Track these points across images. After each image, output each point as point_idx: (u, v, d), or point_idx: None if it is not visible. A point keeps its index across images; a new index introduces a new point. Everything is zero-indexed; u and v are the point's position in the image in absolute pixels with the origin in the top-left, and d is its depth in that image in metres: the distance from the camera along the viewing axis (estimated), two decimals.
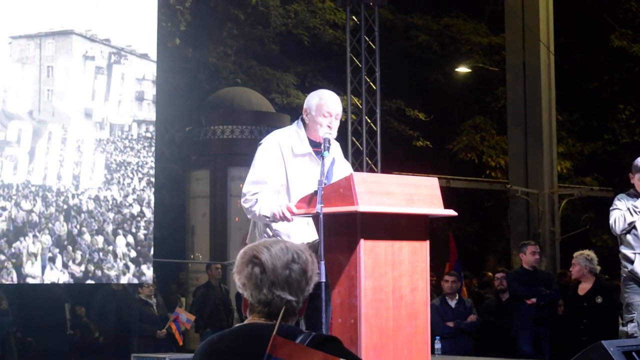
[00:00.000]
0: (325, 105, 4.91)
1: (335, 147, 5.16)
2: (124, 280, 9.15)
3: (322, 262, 4.33)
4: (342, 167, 5.07)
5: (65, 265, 8.41)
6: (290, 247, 2.75)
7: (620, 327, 6.90)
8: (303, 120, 5.00)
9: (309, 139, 4.97)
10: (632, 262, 6.61)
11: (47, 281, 8.49)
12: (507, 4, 17.09)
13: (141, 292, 11.14)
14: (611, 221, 6.65)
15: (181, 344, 10.97)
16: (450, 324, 9.94)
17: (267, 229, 4.89)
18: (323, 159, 4.71)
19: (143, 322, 11.14)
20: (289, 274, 2.69)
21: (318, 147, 4.90)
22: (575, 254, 9.34)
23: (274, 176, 4.87)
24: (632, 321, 6.64)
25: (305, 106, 5.01)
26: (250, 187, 4.86)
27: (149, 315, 11.19)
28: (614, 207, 6.69)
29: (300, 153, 4.93)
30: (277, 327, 2.52)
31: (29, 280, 8.33)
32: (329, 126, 4.91)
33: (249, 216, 4.91)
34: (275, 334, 2.44)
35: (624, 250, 6.67)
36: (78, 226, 8.54)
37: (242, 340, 2.68)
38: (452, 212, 4.88)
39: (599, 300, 9.18)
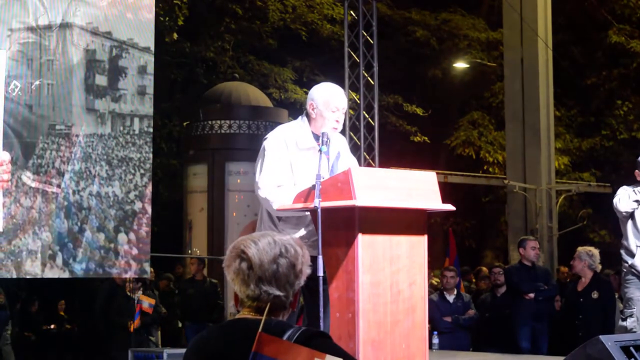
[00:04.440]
0: (333, 101, 4.91)
1: (341, 141, 5.16)
2: (125, 277, 9.13)
3: (320, 257, 4.34)
4: (347, 162, 5.07)
5: (65, 263, 8.37)
6: (278, 240, 2.70)
7: (620, 322, 6.91)
8: (307, 114, 5.00)
9: (313, 133, 4.97)
10: (633, 255, 6.63)
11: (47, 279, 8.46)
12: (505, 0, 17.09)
13: (126, 289, 11.16)
14: (615, 200, 6.68)
15: (137, 325, 10.98)
16: (448, 319, 9.96)
17: (272, 225, 4.90)
18: (321, 153, 4.71)
19: (121, 316, 11.16)
20: (277, 269, 2.66)
21: None
22: (579, 249, 9.37)
23: (285, 168, 4.88)
24: (631, 316, 6.66)
25: (310, 100, 4.99)
26: (268, 179, 4.83)
27: (126, 309, 11.20)
28: (617, 193, 6.75)
29: (305, 147, 4.93)
30: (265, 322, 2.51)
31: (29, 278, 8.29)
32: (337, 121, 4.93)
33: (273, 206, 4.81)
34: (262, 331, 2.43)
35: (626, 242, 6.69)
36: (79, 223, 8.50)
37: (231, 335, 2.66)
38: (450, 207, 4.88)
39: (595, 295, 9.20)
